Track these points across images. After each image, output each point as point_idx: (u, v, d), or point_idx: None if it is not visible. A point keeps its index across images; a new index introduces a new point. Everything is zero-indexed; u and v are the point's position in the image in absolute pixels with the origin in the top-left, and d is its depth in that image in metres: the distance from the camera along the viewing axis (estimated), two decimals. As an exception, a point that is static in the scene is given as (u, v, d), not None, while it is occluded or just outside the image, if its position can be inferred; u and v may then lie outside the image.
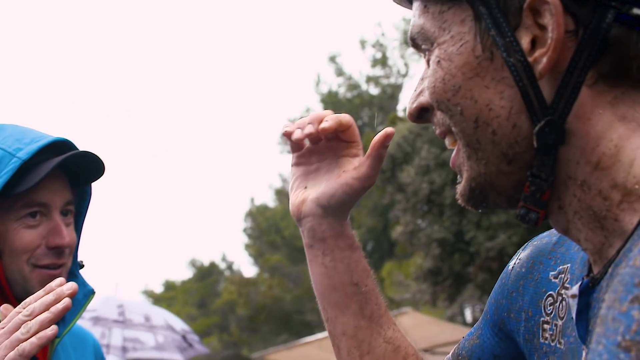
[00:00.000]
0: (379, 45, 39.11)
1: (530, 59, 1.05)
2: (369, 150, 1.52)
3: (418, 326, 18.71)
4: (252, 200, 48.54)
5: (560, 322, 1.22)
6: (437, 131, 1.18)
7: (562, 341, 1.20)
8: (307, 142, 1.54)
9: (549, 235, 1.36)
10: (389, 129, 1.52)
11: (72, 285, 1.66)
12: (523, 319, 1.34)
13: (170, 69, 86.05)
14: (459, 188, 1.17)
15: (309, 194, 1.53)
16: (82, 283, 2.23)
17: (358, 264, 1.52)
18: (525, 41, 1.05)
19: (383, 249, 34.50)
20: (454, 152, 1.17)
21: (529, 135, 1.06)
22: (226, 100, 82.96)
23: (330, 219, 1.50)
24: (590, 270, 1.13)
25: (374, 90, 39.68)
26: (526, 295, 1.34)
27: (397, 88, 39.43)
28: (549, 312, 1.27)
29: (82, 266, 2.26)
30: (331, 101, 38.34)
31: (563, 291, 1.24)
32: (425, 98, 1.16)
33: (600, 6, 1.01)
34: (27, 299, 1.67)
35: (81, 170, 2.13)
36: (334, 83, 41.03)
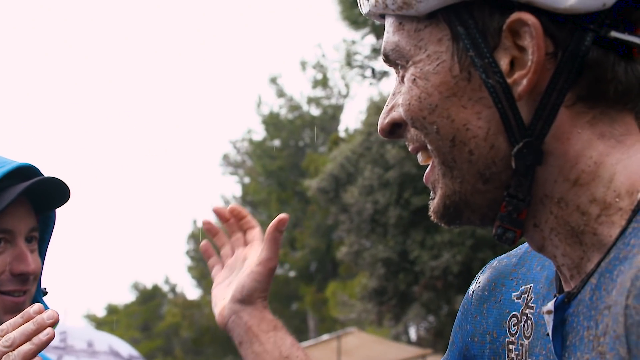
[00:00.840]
0: (319, 67, 39.25)
1: (509, 80, 1.06)
2: (265, 235, 1.61)
3: (363, 346, 18.77)
4: (195, 222, 48.27)
5: (526, 342, 1.22)
6: (410, 147, 1.18)
7: None
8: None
9: (508, 257, 1.37)
10: (282, 216, 1.59)
11: (52, 314, 1.61)
12: (488, 341, 1.33)
13: (110, 93, 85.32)
14: (432, 204, 1.17)
15: (226, 301, 1.62)
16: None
17: (285, 340, 1.58)
18: (504, 62, 1.06)
19: (327, 269, 34.52)
20: (429, 169, 1.17)
21: (506, 155, 1.07)
22: (167, 121, 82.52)
23: (249, 308, 1.60)
24: (560, 287, 1.15)
25: (315, 111, 39.78)
26: (490, 317, 1.33)
27: (338, 109, 39.56)
28: (513, 332, 1.26)
29: (45, 293, 2.24)
30: (272, 122, 38.36)
31: (527, 310, 1.24)
32: (398, 114, 1.15)
33: (578, 29, 1.03)
34: (3, 326, 1.62)
35: (46, 196, 2.12)
36: (275, 104, 41.00)
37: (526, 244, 1.30)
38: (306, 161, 33.81)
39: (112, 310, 47.23)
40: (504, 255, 1.39)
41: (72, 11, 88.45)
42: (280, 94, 39.36)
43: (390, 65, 1.19)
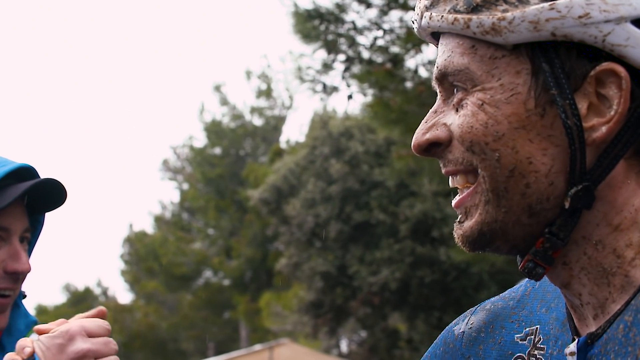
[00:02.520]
0: (264, 77, 39.29)
1: (585, 125, 1.09)
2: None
3: (295, 357, 18.82)
4: (131, 226, 47.80)
5: None
6: (448, 169, 1.19)
7: None
8: None
9: (503, 300, 1.38)
10: (101, 309, 1.62)
11: None
12: None
13: (53, 89, 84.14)
14: (463, 228, 1.18)
15: None
16: (24, 313, 2.23)
17: None
18: (582, 106, 1.09)
19: (261, 279, 34.43)
20: (465, 194, 1.18)
21: (561, 194, 1.10)
22: (108, 123, 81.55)
23: None
24: (574, 328, 1.18)
25: (257, 121, 39.74)
26: (488, 358, 1.33)
27: (281, 120, 39.57)
28: None
29: (24, 296, 2.26)
30: (214, 130, 38.19)
31: (536, 352, 1.24)
32: (443, 133, 1.16)
33: None
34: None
35: (41, 198, 2.14)
36: (218, 112, 40.85)
37: (520, 287, 1.37)
38: (246, 170, 33.73)
39: (41, 311, 46.44)
40: (496, 298, 1.41)
41: (18, 17, 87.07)
42: (224, 102, 39.24)
43: (440, 84, 1.19)
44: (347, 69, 11.47)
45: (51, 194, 2.16)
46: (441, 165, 1.21)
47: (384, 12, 11.17)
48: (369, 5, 11.11)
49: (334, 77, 11.82)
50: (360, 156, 19.81)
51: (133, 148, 78.07)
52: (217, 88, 39.28)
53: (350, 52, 11.43)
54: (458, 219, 1.21)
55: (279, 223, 20.85)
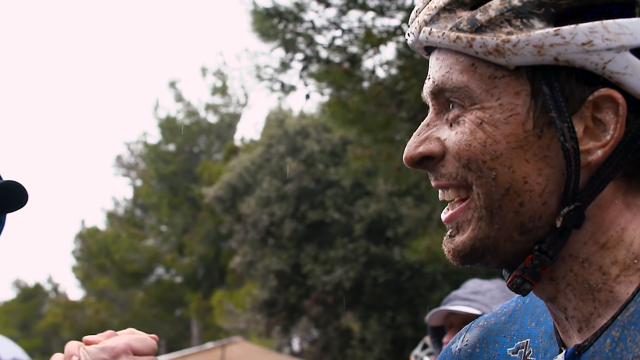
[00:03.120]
0: (219, 74, 39.15)
1: (582, 147, 1.11)
2: None
3: (247, 356, 18.77)
4: (83, 222, 47.33)
5: None
6: (440, 182, 1.19)
7: None
8: None
9: (496, 317, 1.40)
10: (154, 336, 1.55)
11: None
12: None
13: (4, 83, 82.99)
14: (454, 243, 1.18)
15: None
16: None
17: None
18: (579, 129, 1.12)
19: (214, 277, 34.32)
20: (456, 209, 1.18)
21: (552, 213, 1.12)
22: (61, 119, 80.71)
23: None
24: (560, 340, 1.22)
25: (212, 118, 39.58)
26: None
27: (236, 117, 39.46)
28: None
29: None
30: (169, 127, 37.94)
31: None
32: (437, 147, 1.17)
33: None
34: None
35: (0, 200, 2.09)
36: (172, 109, 40.60)
37: (511, 303, 1.40)
38: (200, 168, 33.61)
39: (-10, 306, 45.98)
40: (488, 314, 1.43)
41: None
42: (179, 98, 39.04)
43: (435, 98, 1.19)
44: (304, 68, 11.47)
45: (12, 196, 2.13)
46: (431, 177, 1.21)
47: (342, 12, 11.19)
48: (328, 5, 11.12)
49: (292, 76, 11.82)
50: (316, 155, 19.84)
51: (86, 144, 77.38)
52: (172, 84, 39.07)
53: (308, 52, 11.43)
54: (448, 233, 1.21)
55: (233, 221, 20.80)
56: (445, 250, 1.21)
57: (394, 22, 10.75)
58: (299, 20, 11.18)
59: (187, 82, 70.41)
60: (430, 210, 17.31)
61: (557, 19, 1.12)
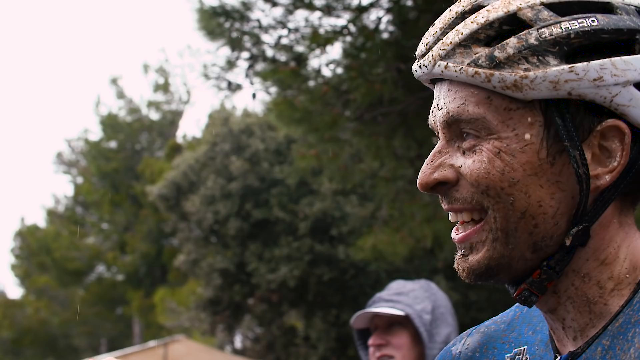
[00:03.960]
0: (162, 71, 38.92)
1: (591, 173, 1.21)
2: None
3: (190, 354, 18.70)
4: (22, 219, 46.64)
5: None
6: (454, 206, 1.27)
7: None
8: None
9: (495, 324, 1.50)
10: None
11: None
12: None
13: None
14: (469, 262, 1.27)
15: None
16: None
17: None
18: (588, 156, 1.21)
19: (156, 275, 34.12)
20: (470, 230, 1.26)
21: (562, 233, 1.22)
22: (1, 115, 79.36)
23: None
24: (557, 349, 1.31)
25: (154, 116, 39.33)
26: None
27: (178, 115, 39.28)
28: None
29: None
30: (110, 123, 37.60)
31: None
32: (450, 174, 1.25)
33: None
34: None
35: None
36: (114, 105, 40.27)
37: (510, 312, 1.50)
38: (142, 165, 33.37)
39: None
40: (489, 321, 1.53)
41: None
42: (120, 95, 38.71)
43: (447, 128, 1.27)
44: (250, 67, 11.47)
45: None
46: (443, 201, 1.29)
47: (289, 11, 11.20)
48: (274, 4, 11.13)
49: (238, 75, 11.82)
50: (260, 154, 19.84)
51: (26, 140, 76.22)
52: (114, 81, 38.71)
53: (255, 50, 11.43)
54: (462, 253, 1.28)
55: (177, 219, 20.70)
56: (459, 269, 1.29)
57: (341, 21, 10.81)
58: (245, 19, 11.17)
59: (128, 79, 69.88)
60: (375, 208, 17.43)
61: (568, 56, 1.20)
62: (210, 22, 11.19)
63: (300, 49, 11.20)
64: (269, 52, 11.39)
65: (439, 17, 1.29)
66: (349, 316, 19.26)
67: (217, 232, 19.77)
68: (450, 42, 1.24)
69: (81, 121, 77.19)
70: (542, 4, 1.23)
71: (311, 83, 11.12)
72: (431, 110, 1.30)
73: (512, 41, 1.21)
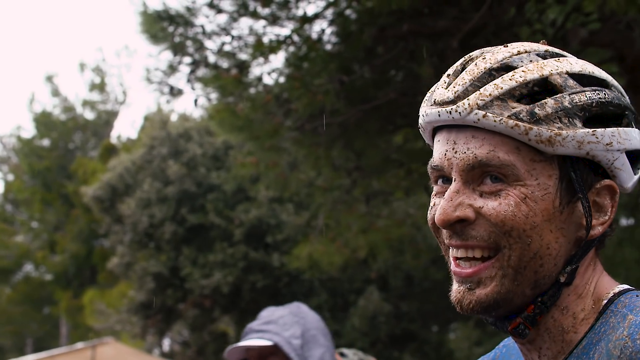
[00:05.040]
0: (98, 70, 38.59)
1: None
2: None
3: (118, 357, 18.54)
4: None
5: None
6: (468, 242, 1.40)
7: None
8: None
9: (487, 358, 1.68)
10: None
11: None
12: None
13: None
14: (476, 295, 1.39)
15: None
16: None
17: None
18: None
19: (85, 276, 33.73)
20: (480, 266, 1.39)
21: (557, 272, 1.38)
22: None
23: None
24: None
25: (89, 115, 38.96)
26: None
27: (113, 115, 38.99)
28: None
29: None
30: (44, 121, 37.13)
31: None
32: (470, 213, 1.38)
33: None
34: None
35: None
36: (48, 103, 39.81)
37: (491, 354, 1.68)
38: (75, 164, 33.00)
39: None
40: (483, 357, 1.70)
41: None
42: (55, 93, 38.29)
43: (470, 170, 1.39)
44: (192, 72, 11.47)
45: None
46: (454, 237, 1.41)
47: (234, 18, 11.23)
48: (219, 11, 11.15)
49: (179, 80, 11.80)
50: (198, 159, 19.79)
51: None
52: (49, 79, 38.28)
53: (197, 56, 11.43)
54: (467, 287, 1.41)
55: (111, 221, 20.52)
56: (464, 301, 1.41)
57: (285, 31, 10.87)
58: (189, 24, 11.16)
59: (64, 77, 68.75)
60: (310, 217, 17.51)
61: (587, 121, 1.39)
62: (154, 26, 11.15)
63: (243, 56, 11.23)
64: (212, 58, 11.40)
65: (467, 69, 1.42)
66: (282, 323, 19.22)
67: (151, 236, 19.66)
68: (490, 95, 1.37)
69: (14, 118, 75.73)
70: (567, 73, 1.40)
71: (253, 91, 11.15)
72: (444, 154, 1.42)
73: (550, 102, 1.37)
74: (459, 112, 1.38)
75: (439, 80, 1.49)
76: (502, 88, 1.37)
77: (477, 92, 1.38)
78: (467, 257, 1.40)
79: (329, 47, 10.44)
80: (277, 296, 19.07)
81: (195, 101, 11.62)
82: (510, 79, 1.38)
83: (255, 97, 10.84)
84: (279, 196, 17.30)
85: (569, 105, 1.37)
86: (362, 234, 12.38)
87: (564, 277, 1.39)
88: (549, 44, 1.51)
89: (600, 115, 1.40)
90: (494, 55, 1.43)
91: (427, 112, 1.44)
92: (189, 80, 11.45)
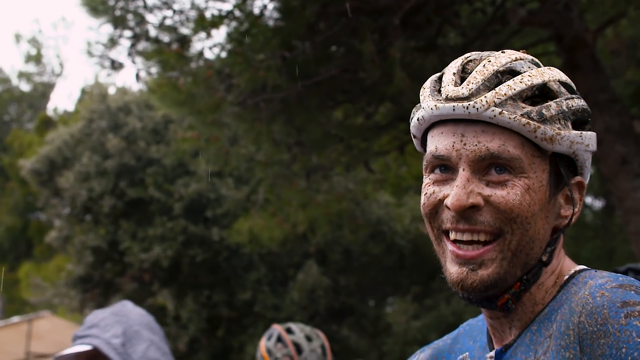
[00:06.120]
0: (34, 42, 38.00)
1: (563, 213, 1.62)
2: None
3: (55, 330, 18.38)
4: None
5: None
6: (475, 227, 1.55)
7: None
8: None
9: (443, 341, 1.87)
10: None
11: None
12: None
13: None
14: (479, 276, 1.55)
15: None
16: None
17: None
18: (562, 201, 1.62)
19: (21, 249, 33.33)
20: (482, 249, 1.55)
21: (540, 254, 1.58)
22: None
23: None
24: (492, 347, 1.66)
25: (25, 87, 38.38)
26: None
27: (50, 87, 38.45)
28: None
29: None
30: (-22, 93, 36.54)
31: None
32: (480, 200, 1.54)
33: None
34: None
35: None
36: (-18, 74, 39.07)
37: (455, 332, 1.88)
38: (10, 137, 32.51)
39: None
40: (438, 340, 1.90)
41: None
42: (-10, 64, 37.60)
43: (479, 161, 1.55)
44: (133, 46, 11.42)
45: None
46: (464, 222, 1.56)
47: (175, -7, 11.20)
48: (161, -15, 11.11)
49: (120, 53, 11.75)
50: (137, 132, 19.66)
51: None
52: (-16, 49, 37.56)
53: (138, 30, 11.38)
54: (470, 268, 1.56)
55: (50, 195, 20.32)
56: (467, 281, 1.56)
57: (227, 6, 10.89)
58: (130, -3, 11.11)
59: (-2, 48, 67.28)
60: (250, 192, 17.60)
61: (572, 124, 1.60)
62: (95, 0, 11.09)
63: (184, 31, 11.21)
64: (153, 33, 11.35)
65: (477, 70, 1.59)
66: (221, 297, 19.39)
67: (90, 209, 19.53)
68: (505, 94, 1.54)
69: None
70: (559, 81, 1.60)
71: (194, 66, 11.15)
72: (451, 145, 1.57)
73: (553, 105, 1.56)
74: (477, 108, 1.54)
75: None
76: (514, 89, 1.55)
77: (493, 92, 1.54)
78: (471, 240, 1.55)
79: (271, 22, 10.48)
80: (217, 270, 19.14)
81: (137, 75, 11.57)
82: (520, 82, 1.56)
83: (197, 71, 10.84)
84: (219, 170, 17.33)
85: (566, 109, 1.57)
86: (302, 209, 12.49)
87: (545, 257, 1.59)
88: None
89: (579, 120, 1.61)
90: (497, 59, 1.60)
91: (438, 106, 1.57)
92: (129, 54, 11.39)
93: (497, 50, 1.69)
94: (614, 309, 1.39)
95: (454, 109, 1.55)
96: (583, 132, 1.59)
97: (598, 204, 15.10)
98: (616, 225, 12.97)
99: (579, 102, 1.60)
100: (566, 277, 1.61)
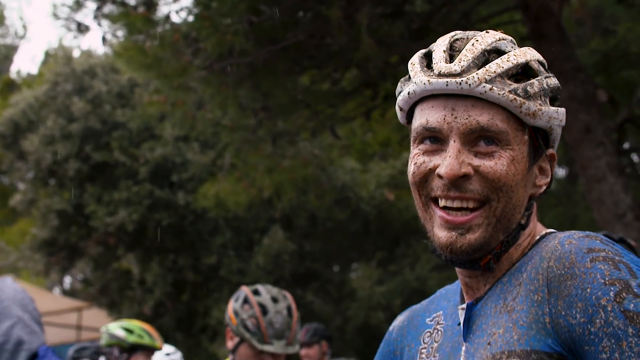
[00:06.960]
0: (-3, 3, 37.49)
1: (538, 182, 1.77)
2: None
3: (19, 295, 18.44)
4: None
5: (435, 344, 1.85)
6: (465, 194, 1.67)
7: (436, 355, 1.82)
8: None
9: (420, 304, 2.04)
10: None
11: None
12: (406, 351, 1.96)
13: None
14: (467, 240, 1.68)
15: None
16: None
17: None
18: (537, 171, 1.76)
19: (-17, 213, 33.08)
20: (470, 215, 1.68)
21: (520, 218, 1.72)
22: None
23: None
24: (463, 302, 1.80)
25: (-13, 49, 37.85)
26: (408, 335, 1.98)
27: (13, 49, 37.98)
28: (426, 342, 1.89)
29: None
30: (-60, 54, 35.96)
31: (438, 326, 1.88)
32: (471, 170, 1.66)
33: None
34: None
35: None
36: (-56, 35, 38.46)
37: (432, 296, 2.04)
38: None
39: None
40: (417, 304, 2.06)
41: None
42: (-48, 25, 37.05)
43: (470, 134, 1.67)
44: (99, 9, 11.34)
45: None
46: (455, 190, 1.68)
47: (142, -45, 11.12)
48: (127, -53, 11.02)
49: (86, 16, 11.67)
50: (103, 96, 19.53)
51: None
52: (-55, 10, 36.98)
53: (104, -8, 11.29)
54: (459, 232, 1.68)
55: (14, 158, 20.17)
56: (456, 244, 1.69)
57: (194, -31, 10.84)
58: (96, -41, 11.02)
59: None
60: (216, 156, 17.61)
61: (549, 101, 1.74)
62: (58, -41, 10.99)
63: (151, -6, 11.15)
64: (119, -5, 11.28)
65: (466, 48, 1.71)
66: (186, 261, 19.35)
67: (55, 173, 19.42)
68: (494, 72, 1.66)
69: None
70: (537, 60, 1.73)
71: (161, 29, 11.10)
72: (442, 118, 1.69)
73: (535, 82, 1.69)
74: (469, 84, 1.65)
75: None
76: (502, 67, 1.66)
77: (484, 69, 1.67)
78: (460, 207, 1.68)
79: (238, -13, 10.44)
80: (182, 234, 19.16)
81: (104, 39, 11.50)
82: (507, 61, 1.68)
83: (164, 35, 10.80)
84: (185, 135, 17.30)
85: (546, 87, 1.71)
86: (268, 174, 12.55)
87: (524, 220, 1.73)
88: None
89: (554, 97, 1.74)
90: (484, 38, 1.72)
91: (431, 81, 1.68)
92: (95, 17, 11.32)
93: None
94: (580, 254, 1.54)
95: (447, 84, 1.67)
96: (559, 108, 1.72)
97: (561, 171, 15.33)
98: (579, 192, 13.15)
99: (555, 81, 1.73)
100: (537, 237, 1.76)
